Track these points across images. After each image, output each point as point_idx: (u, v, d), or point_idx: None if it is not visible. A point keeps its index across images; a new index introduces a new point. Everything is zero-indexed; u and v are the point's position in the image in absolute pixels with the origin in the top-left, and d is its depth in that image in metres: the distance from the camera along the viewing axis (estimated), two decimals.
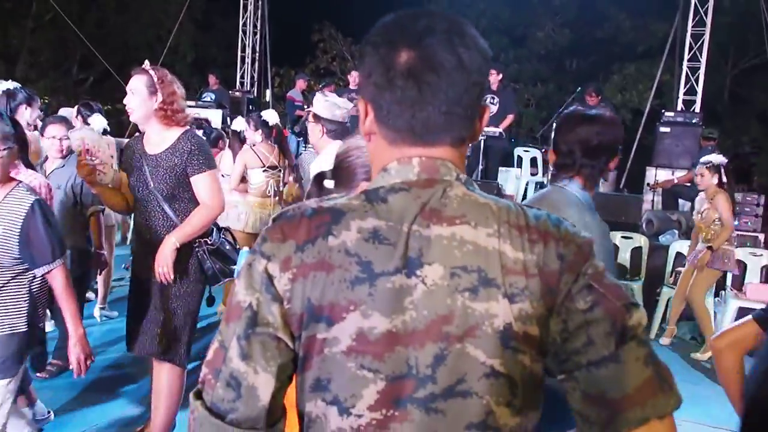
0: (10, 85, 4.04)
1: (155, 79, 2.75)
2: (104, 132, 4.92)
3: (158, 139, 2.83)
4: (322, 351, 0.87)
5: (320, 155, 3.24)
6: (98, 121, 4.79)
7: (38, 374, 3.84)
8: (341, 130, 3.25)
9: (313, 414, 0.90)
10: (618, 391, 0.84)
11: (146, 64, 2.89)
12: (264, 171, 5.05)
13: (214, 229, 2.95)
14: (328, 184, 1.60)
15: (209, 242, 2.87)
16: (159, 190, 2.78)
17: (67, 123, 4.08)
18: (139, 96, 2.76)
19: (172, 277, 2.74)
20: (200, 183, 2.81)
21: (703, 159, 5.17)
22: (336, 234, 0.88)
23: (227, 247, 2.97)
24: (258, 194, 5.07)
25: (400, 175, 0.91)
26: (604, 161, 1.96)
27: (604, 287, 0.88)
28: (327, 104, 3.25)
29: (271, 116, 4.96)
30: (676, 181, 7.48)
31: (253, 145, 5.16)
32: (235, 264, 2.88)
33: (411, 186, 0.90)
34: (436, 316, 0.85)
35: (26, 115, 3.99)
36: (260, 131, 5.14)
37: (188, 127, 2.89)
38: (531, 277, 0.86)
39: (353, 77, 9.19)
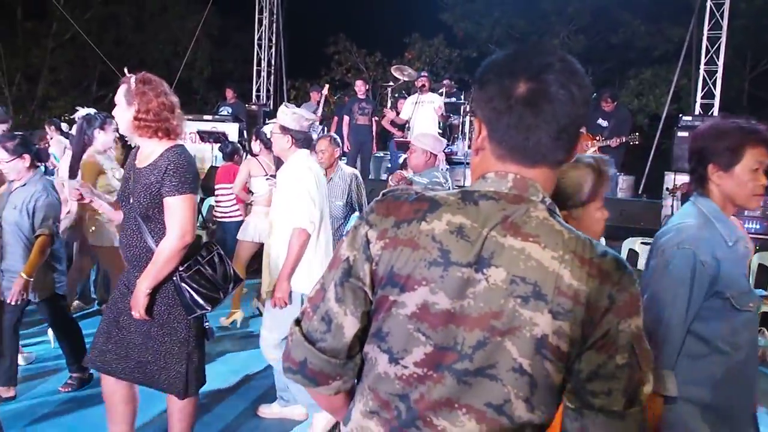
0: (90, 110, 4.35)
1: (132, 88, 2.58)
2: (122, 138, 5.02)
3: (147, 152, 2.65)
4: (389, 309, 1.07)
5: (287, 164, 3.42)
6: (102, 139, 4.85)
7: (60, 388, 3.91)
8: (306, 139, 3.44)
9: (369, 355, 1.12)
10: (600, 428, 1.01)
11: (126, 72, 2.73)
12: (267, 179, 5.24)
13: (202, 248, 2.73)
14: None
15: (181, 270, 2.58)
16: (135, 208, 2.59)
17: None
18: (119, 107, 2.62)
19: (149, 316, 2.58)
20: (170, 207, 2.54)
21: None
22: (428, 221, 1.06)
23: (209, 271, 2.66)
24: (263, 203, 5.20)
25: (494, 186, 1.07)
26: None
27: (640, 352, 1.01)
28: (294, 116, 3.35)
29: (269, 129, 4.99)
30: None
31: (256, 155, 5.44)
32: (221, 288, 2.69)
33: (500, 197, 1.06)
34: (489, 310, 1.01)
35: (101, 138, 4.35)
36: (259, 142, 5.37)
37: (177, 142, 2.67)
38: (578, 304, 0.99)
39: (359, 86, 9.20)
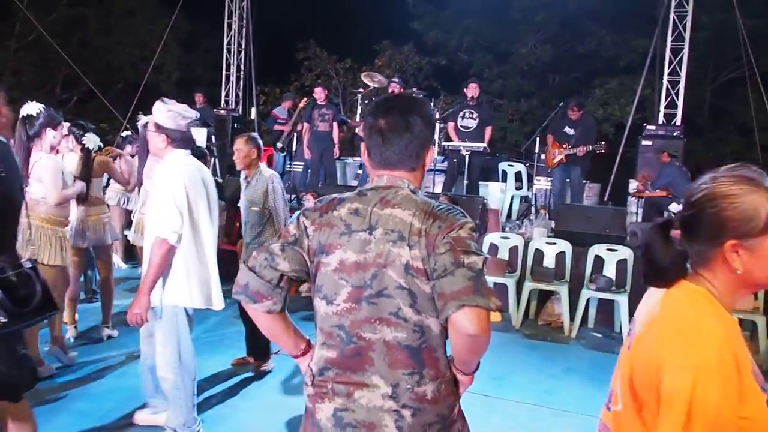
0: (33, 109, 3.91)
1: None
2: (99, 149, 4.94)
3: None
4: (320, 269, 1.63)
5: (163, 164, 3.19)
6: (92, 140, 4.80)
7: None
8: (184, 138, 3.21)
9: (315, 305, 1.67)
10: (448, 289, 1.48)
11: None
12: None
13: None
14: (675, 234, 1.40)
15: None
16: None
17: None
18: None
19: None
20: None
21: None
22: (337, 209, 1.64)
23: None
24: None
25: (376, 183, 1.68)
26: None
27: (455, 242, 1.52)
28: (170, 114, 3.13)
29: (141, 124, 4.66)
30: (657, 193, 7.54)
31: None
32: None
33: (379, 189, 1.65)
34: (376, 255, 1.57)
35: (49, 137, 3.96)
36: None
37: None
38: (422, 236, 1.54)
39: (318, 93, 9.14)
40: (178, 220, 2.98)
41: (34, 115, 3.87)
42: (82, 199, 4.66)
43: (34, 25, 13.85)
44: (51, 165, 3.93)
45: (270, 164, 10.87)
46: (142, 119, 3.86)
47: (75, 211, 4.66)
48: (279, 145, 9.65)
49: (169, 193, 3.01)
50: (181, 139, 3.17)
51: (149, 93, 15.80)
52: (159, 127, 3.14)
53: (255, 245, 4.04)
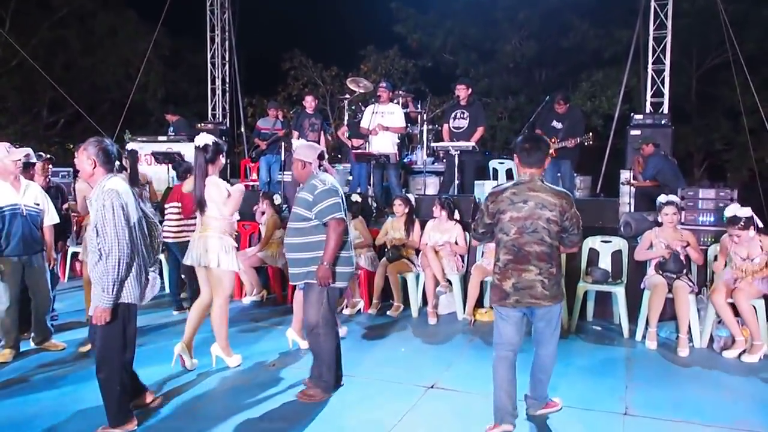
0: (208, 139, 4.45)
1: None
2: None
3: None
4: (500, 221, 3.50)
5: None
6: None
7: None
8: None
9: (498, 237, 3.53)
10: (574, 237, 3.56)
11: None
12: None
13: None
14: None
15: None
16: None
17: None
18: None
19: None
20: None
21: (739, 214, 5.04)
22: (504, 193, 3.51)
23: None
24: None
25: (522, 177, 3.54)
26: None
27: (576, 218, 3.50)
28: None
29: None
30: (647, 183, 7.53)
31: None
32: None
33: (525, 182, 3.51)
34: (530, 213, 3.44)
35: (221, 162, 4.53)
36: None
37: None
38: (556, 207, 3.44)
39: (308, 102, 9.09)
40: None
41: (210, 144, 4.43)
42: None
43: (17, 50, 13.81)
44: (216, 183, 4.45)
45: (247, 175, 10.89)
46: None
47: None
48: (253, 154, 9.64)
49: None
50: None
51: (135, 111, 15.85)
52: None
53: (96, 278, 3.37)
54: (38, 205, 4.95)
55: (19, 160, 4.79)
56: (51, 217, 5.11)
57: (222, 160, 4.52)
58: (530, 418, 3.83)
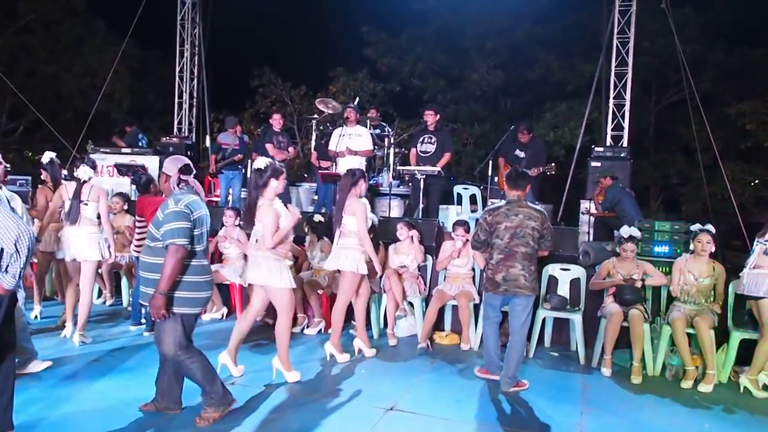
0: (263, 163, 4.52)
1: None
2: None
3: None
4: (497, 229, 4.84)
5: None
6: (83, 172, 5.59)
7: None
8: None
9: (493, 241, 4.88)
10: (547, 242, 4.90)
11: None
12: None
13: None
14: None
15: None
16: None
17: None
18: None
19: None
20: None
21: (707, 228, 5.44)
22: (499, 210, 4.89)
23: None
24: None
25: (510, 198, 4.92)
26: None
27: (548, 230, 4.88)
28: None
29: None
30: (606, 213, 7.74)
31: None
32: None
33: (513, 201, 4.89)
34: (519, 224, 4.79)
35: (272, 186, 4.54)
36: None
37: None
38: (538, 219, 4.82)
39: (276, 120, 9.12)
40: None
41: (263, 168, 4.49)
42: None
43: None
44: (271, 210, 4.50)
45: (210, 191, 10.80)
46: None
47: None
48: (212, 170, 9.61)
49: None
50: None
51: (99, 121, 15.58)
52: None
53: None
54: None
55: None
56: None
57: (275, 182, 4.53)
58: (504, 396, 4.67)
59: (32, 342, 4.85)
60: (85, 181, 5.62)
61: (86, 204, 5.61)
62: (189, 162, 4.06)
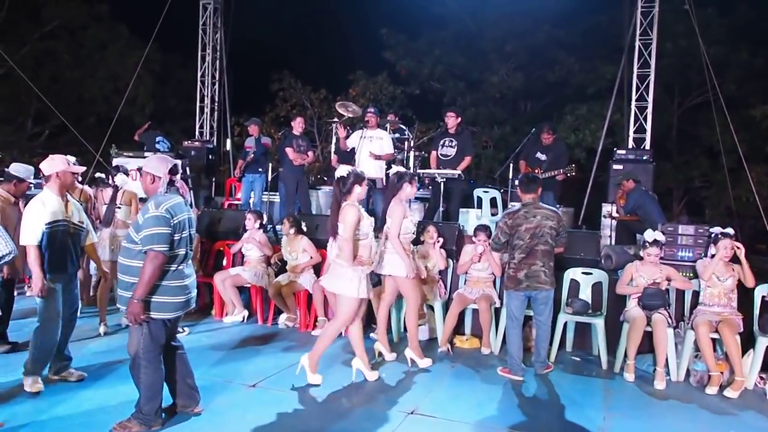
0: (345, 171, 4.76)
1: None
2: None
3: None
4: (517, 231, 5.23)
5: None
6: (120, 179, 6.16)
7: None
8: None
9: (513, 242, 5.27)
10: (562, 240, 5.37)
11: None
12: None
13: None
14: None
15: None
16: None
17: None
18: None
19: None
20: None
21: (727, 231, 5.43)
22: (518, 212, 5.28)
23: None
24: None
25: (527, 201, 5.33)
26: None
27: (563, 228, 5.31)
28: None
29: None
30: (628, 217, 7.67)
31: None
32: None
33: (529, 204, 5.31)
34: (537, 225, 5.21)
35: (356, 191, 4.76)
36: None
37: None
38: (554, 219, 5.25)
39: (297, 123, 9.16)
40: None
41: (345, 175, 4.75)
42: None
43: (5, 59, 13.74)
44: (353, 212, 4.69)
45: (232, 194, 10.89)
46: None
47: None
48: (236, 174, 9.72)
49: None
50: None
51: (122, 126, 15.76)
52: None
53: None
54: (82, 223, 4.68)
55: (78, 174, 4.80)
56: (93, 235, 4.92)
57: (358, 188, 4.76)
58: (538, 376, 5.25)
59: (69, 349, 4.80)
60: (120, 187, 6.31)
61: (119, 207, 6.25)
62: (177, 162, 3.95)
